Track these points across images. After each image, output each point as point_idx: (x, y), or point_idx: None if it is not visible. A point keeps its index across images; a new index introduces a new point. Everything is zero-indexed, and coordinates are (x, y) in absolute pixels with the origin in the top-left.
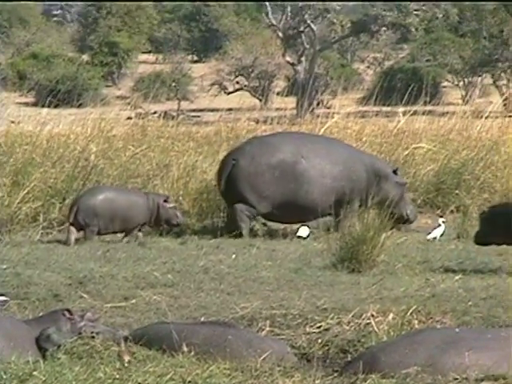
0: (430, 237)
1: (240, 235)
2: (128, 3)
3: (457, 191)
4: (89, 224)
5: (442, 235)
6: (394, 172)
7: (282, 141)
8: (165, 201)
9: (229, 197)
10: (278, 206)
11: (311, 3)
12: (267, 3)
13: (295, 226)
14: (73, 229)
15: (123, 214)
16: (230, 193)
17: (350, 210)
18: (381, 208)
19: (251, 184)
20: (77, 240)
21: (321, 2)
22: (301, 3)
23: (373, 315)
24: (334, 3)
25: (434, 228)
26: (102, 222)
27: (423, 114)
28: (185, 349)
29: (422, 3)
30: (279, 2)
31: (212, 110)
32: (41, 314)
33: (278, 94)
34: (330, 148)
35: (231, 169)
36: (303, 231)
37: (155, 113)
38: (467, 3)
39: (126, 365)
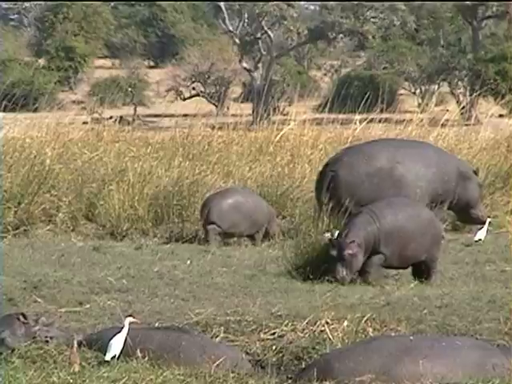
0: (476, 238)
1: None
2: (85, 8)
3: None
4: (219, 225)
5: (485, 236)
6: (475, 173)
7: (377, 148)
8: (277, 216)
9: (330, 207)
10: None
11: (268, 10)
12: (224, 9)
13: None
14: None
15: (251, 217)
16: (330, 203)
17: (439, 212)
18: (460, 209)
19: (351, 193)
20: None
21: (278, 9)
22: (258, 10)
23: (327, 322)
24: (292, 10)
25: (479, 229)
26: (231, 225)
27: (379, 121)
28: (139, 354)
29: (379, 11)
30: (237, 7)
31: (168, 116)
32: None
33: (234, 100)
34: (422, 151)
35: (330, 180)
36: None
37: (111, 118)
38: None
39: (77, 370)
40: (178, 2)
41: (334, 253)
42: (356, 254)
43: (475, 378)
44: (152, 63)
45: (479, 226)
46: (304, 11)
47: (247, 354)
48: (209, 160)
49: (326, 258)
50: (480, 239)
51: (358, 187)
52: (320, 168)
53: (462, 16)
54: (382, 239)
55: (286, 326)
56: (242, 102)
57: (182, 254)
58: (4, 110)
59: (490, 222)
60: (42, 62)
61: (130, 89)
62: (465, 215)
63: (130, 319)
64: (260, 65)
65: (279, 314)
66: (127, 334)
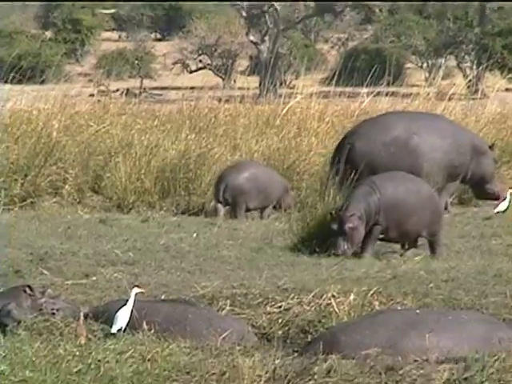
0: (496, 210)
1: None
2: None
3: None
4: (237, 201)
5: (506, 209)
6: (491, 148)
7: (393, 119)
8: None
9: (345, 179)
10: None
11: None
12: None
13: None
14: (220, 206)
15: (265, 190)
16: (349, 175)
17: (452, 186)
18: (475, 184)
19: (368, 163)
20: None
21: None
22: None
23: (333, 296)
24: None
25: (501, 201)
26: (248, 199)
27: (386, 95)
28: (145, 327)
29: None
30: None
31: (174, 89)
32: (1, 290)
33: (241, 73)
34: (437, 123)
35: (348, 151)
36: None
37: (118, 90)
38: None
39: (83, 342)
40: None
41: (334, 227)
42: (357, 227)
43: (481, 351)
44: (159, 36)
45: (502, 198)
46: None
47: (253, 327)
48: (215, 133)
49: (331, 231)
50: (500, 211)
51: (374, 157)
52: (327, 141)
53: None
54: (383, 210)
55: (292, 299)
56: (248, 75)
57: (188, 226)
58: (11, 82)
59: (511, 193)
60: (48, 34)
61: (136, 61)
62: (480, 190)
63: (136, 289)
64: (267, 38)
65: (285, 287)
66: (133, 306)
